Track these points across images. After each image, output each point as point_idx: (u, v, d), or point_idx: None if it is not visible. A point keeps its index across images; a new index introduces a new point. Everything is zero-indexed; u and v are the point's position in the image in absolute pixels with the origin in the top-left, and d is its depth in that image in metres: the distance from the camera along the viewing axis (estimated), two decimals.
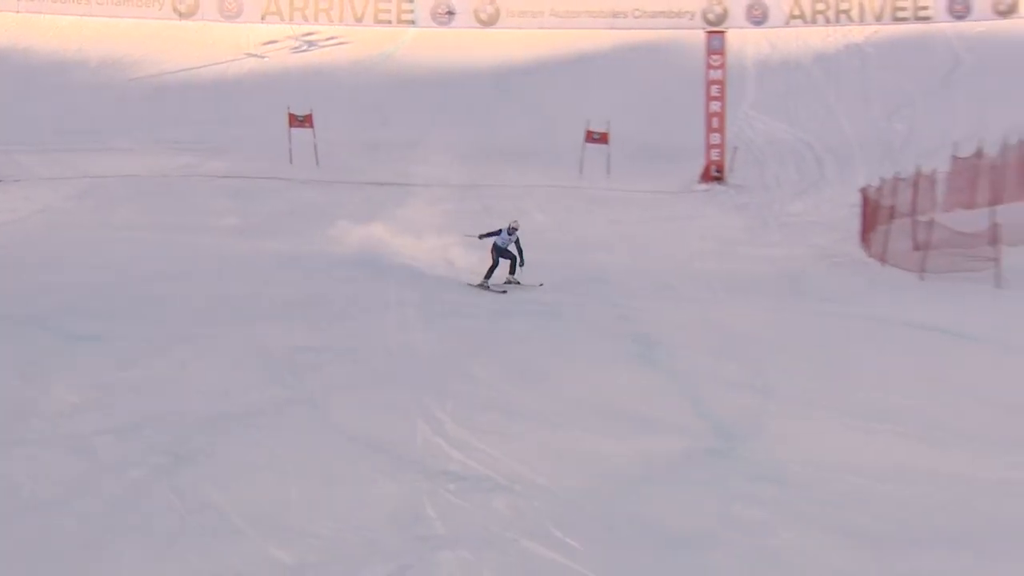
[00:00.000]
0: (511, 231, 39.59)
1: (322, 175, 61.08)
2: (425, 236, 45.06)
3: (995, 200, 50.36)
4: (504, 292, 38.76)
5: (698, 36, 68.88)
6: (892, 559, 16.90)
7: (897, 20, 77.78)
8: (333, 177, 60.58)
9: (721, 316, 35.03)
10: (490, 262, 39.30)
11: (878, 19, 77.97)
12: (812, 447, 22.99)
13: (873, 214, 49.75)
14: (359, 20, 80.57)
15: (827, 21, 78.40)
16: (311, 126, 64.01)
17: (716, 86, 64.09)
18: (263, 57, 78.19)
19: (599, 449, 22.34)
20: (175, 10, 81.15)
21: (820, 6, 78.83)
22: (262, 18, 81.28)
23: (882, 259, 47.50)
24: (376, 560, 16.26)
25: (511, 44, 77.35)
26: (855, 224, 50.83)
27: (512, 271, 39.42)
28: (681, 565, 16.38)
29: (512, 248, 39.42)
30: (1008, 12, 77.02)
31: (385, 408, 24.92)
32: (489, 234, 40.06)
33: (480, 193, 58.15)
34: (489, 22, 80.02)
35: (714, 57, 64.69)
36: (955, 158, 55.29)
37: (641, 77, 73.68)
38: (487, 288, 38.86)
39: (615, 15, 79.36)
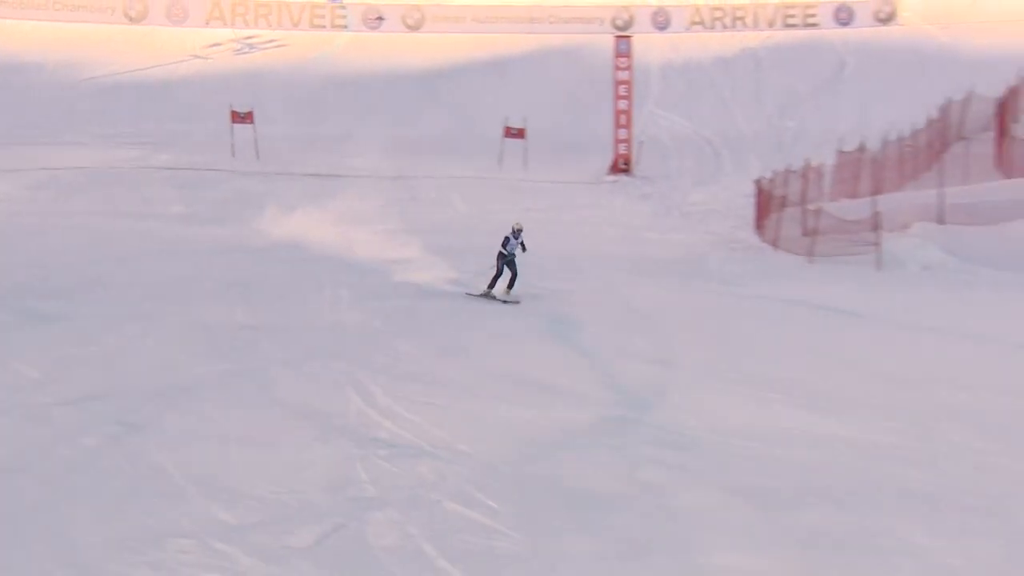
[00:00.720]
0: (516, 233, 36.60)
1: (262, 167, 60.99)
2: (357, 223, 44.96)
3: (876, 190, 50.67)
4: (518, 303, 35.15)
5: (607, 40, 69.07)
6: (780, 515, 16.94)
7: (788, 26, 78.04)
8: (272, 169, 60.50)
9: (628, 296, 35.05)
10: (494, 271, 36.20)
11: (771, 25, 78.21)
12: (711, 414, 23.00)
13: (766, 203, 50.01)
14: (296, 24, 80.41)
15: (724, 27, 78.60)
16: (252, 122, 64.03)
17: (623, 86, 64.38)
18: (207, 58, 77.85)
19: (516, 417, 22.30)
20: (126, 15, 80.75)
21: (718, 13, 79.01)
22: (206, 22, 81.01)
23: (774, 244, 47.76)
24: (311, 520, 16.18)
25: (436, 47, 77.26)
26: (750, 212, 51.06)
27: (510, 285, 35.91)
28: (590, 523, 16.35)
29: (518, 250, 36.35)
30: (887, 19, 77.40)
31: (319, 381, 24.83)
32: (501, 252, 36.30)
33: (407, 183, 58.19)
34: (416, 27, 79.88)
35: (621, 60, 64.94)
36: (840, 152, 55.67)
37: (556, 78, 73.72)
38: (492, 298, 35.59)
39: (532, 21, 79.34)
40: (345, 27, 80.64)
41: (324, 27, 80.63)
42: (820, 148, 58.58)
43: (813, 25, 78.02)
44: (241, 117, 64.22)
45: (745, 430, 21.87)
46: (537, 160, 62.32)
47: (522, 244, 36.32)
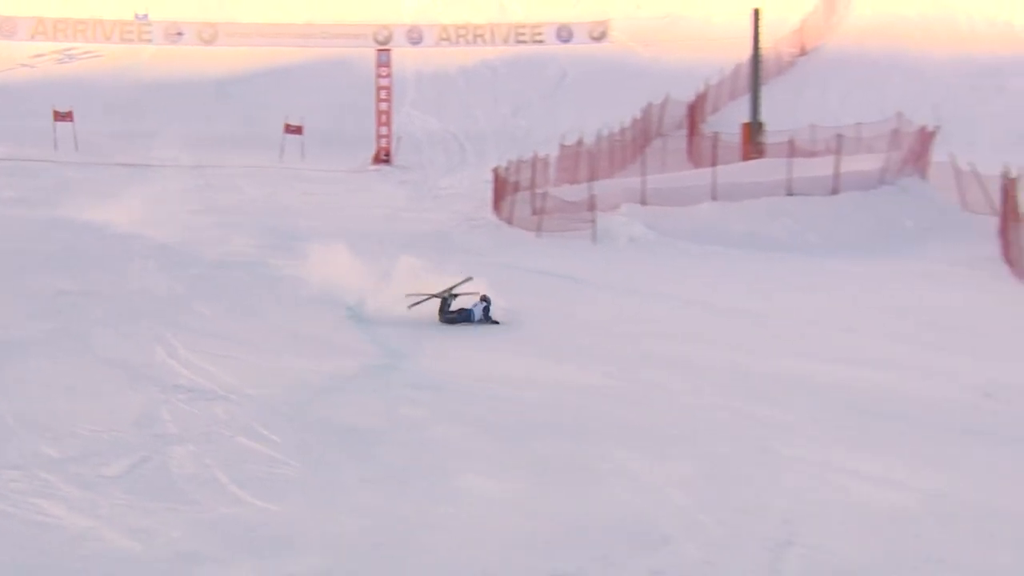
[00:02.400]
0: (484, 304, 27.15)
1: (81, 158, 59.95)
2: (162, 204, 44.42)
3: (592, 177, 51.15)
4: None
5: (370, 53, 68.84)
6: (514, 445, 17.02)
7: (519, 42, 78.32)
8: (90, 160, 59.48)
9: (388, 265, 34.93)
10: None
11: (505, 42, 78.44)
12: (460, 363, 23.08)
13: (502, 188, 50.17)
14: (108, 38, 79.06)
15: (467, 43, 78.64)
16: (72, 120, 63.14)
17: (384, 91, 64.36)
18: (33, 67, 76.34)
19: (295, 367, 22.18)
20: None
21: (462, 31, 79.03)
22: (31, 36, 79.28)
23: (509, 221, 47.94)
24: (123, 454, 15.92)
25: (228, 59, 76.44)
26: (489, 195, 51.16)
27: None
28: (358, 452, 16.29)
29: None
30: (600, 38, 78.07)
31: (131, 337, 24.46)
32: (456, 314, 27.09)
33: (204, 172, 57.57)
34: (210, 41, 78.86)
35: (382, 69, 64.88)
36: (562, 146, 56.08)
37: (328, 84, 73.40)
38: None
39: (307, 36, 78.82)
40: (150, 41, 79.42)
41: (133, 40, 79.32)
42: (546, 143, 58.96)
43: (539, 42, 78.40)
44: (62, 116, 63.24)
45: (485, 375, 21.95)
46: (313, 152, 62.08)
47: (486, 312, 26.98)
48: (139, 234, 39.05)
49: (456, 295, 27.28)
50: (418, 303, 27.13)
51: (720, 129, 57.73)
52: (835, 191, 47.03)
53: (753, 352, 24.86)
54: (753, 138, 55.19)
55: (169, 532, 12.95)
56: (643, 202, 46.50)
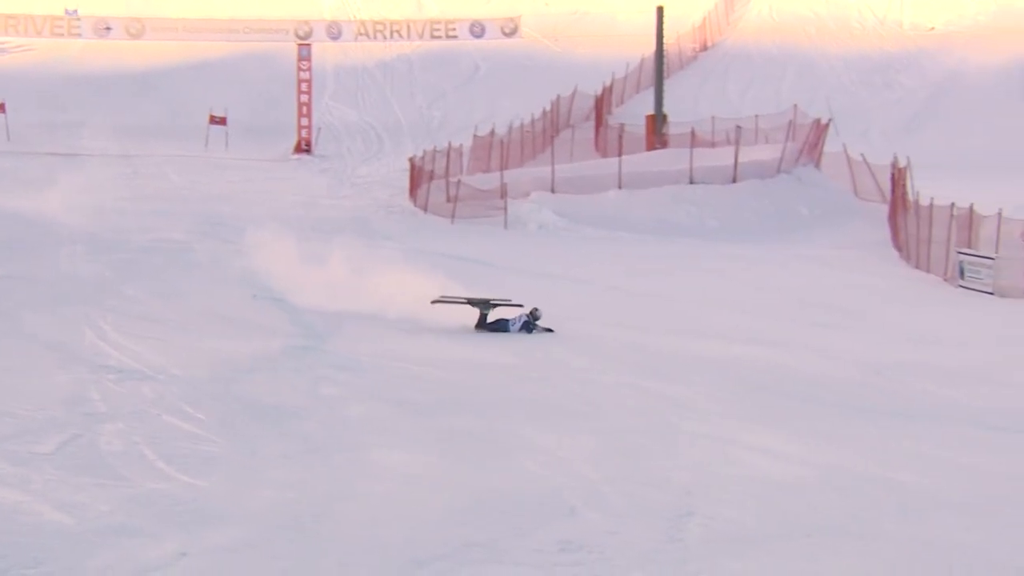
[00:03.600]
0: (526, 319, 25.21)
1: (12, 148, 59.31)
2: (91, 192, 44.04)
3: (503, 166, 51.24)
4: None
5: (292, 47, 68.54)
6: (427, 420, 17.06)
7: (434, 38, 78.10)
8: (21, 149, 58.87)
9: (310, 250, 34.78)
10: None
11: (421, 37, 78.21)
12: (377, 344, 23.07)
13: (418, 176, 50.19)
14: (39, 33, 78.03)
15: (384, 38, 78.33)
16: (3, 112, 62.56)
17: (305, 84, 64.19)
18: None
19: (220, 347, 22.09)
20: None
21: (379, 27, 78.71)
22: None
23: (425, 208, 47.98)
24: (55, 431, 15.79)
25: (155, 52, 75.74)
26: (405, 183, 51.16)
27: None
28: (280, 429, 16.25)
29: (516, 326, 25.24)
30: (511, 33, 77.98)
31: (61, 320, 24.28)
32: (494, 324, 25.40)
33: (131, 161, 57.18)
34: (137, 35, 78.09)
35: (303, 63, 64.72)
36: (475, 136, 56.12)
37: (251, 77, 73.02)
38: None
39: (231, 31, 78.17)
40: (79, 35, 78.51)
41: (63, 35, 78.35)
42: (460, 133, 59.05)
43: (454, 37, 78.23)
44: None
45: (402, 355, 21.97)
46: (236, 143, 61.76)
47: (526, 326, 25.08)
48: (68, 221, 38.70)
49: (495, 306, 25.39)
50: (444, 302, 25.34)
51: (626, 120, 57.97)
52: (735, 180, 47.38)
53: (656, 332, 25.02)
54: (657, 129, 55.45)
55: (98, 506, 12.87)
56: (552, 190, 46.64)
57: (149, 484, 13.67)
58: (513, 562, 11.41)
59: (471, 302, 25.42)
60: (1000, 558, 11.83)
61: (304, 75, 64.47)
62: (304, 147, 62.72)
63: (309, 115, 63.61)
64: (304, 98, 63.89)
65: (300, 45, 67.36)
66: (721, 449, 16.07)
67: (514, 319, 25.14)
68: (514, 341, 23.74)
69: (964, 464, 15.91)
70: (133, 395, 18.05)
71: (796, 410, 19.16)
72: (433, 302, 25.33)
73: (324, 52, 72.34)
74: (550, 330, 24.92)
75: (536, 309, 25.10)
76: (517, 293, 26.55)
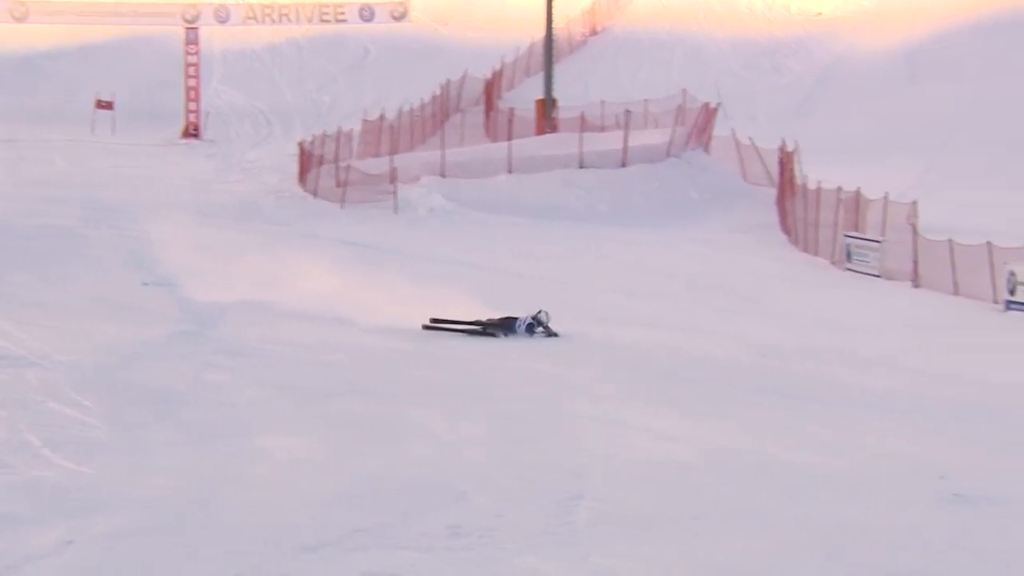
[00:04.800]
0: (530, 321, 23.72)
1: None
2: None
3: (393, 150, 51.30)
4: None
5: (179, 31, 67.86)
6: (316, 405, 17.00)
7: (323, 21, 77.53)
8: None
9: (199, 236, 34.55)
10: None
11: (309, 20, 77.61)
12: (266, 329, 22.95)
13: (307, 161, 50.04)
14: None
15: (273, 21, 77.65)
16: None
17: (192, 67, 63.81)
18: None
19: (106, 333, 21.86)
20: None
21: (268, 10, 77.92)
22: None
23: (314, 193, 47.86)
24: None
25: (39, 36, 74.65)
26: (295, 168, 50.93)
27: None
28: (167, 416, 16.10)
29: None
30: (401, 17, 77.56)
31: None
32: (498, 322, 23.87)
33: (16, 146, 56.52)
34: (22, 18, 76.90)
35: (191, 47, 64.29)
36: (365, 120, 56.04)
37: (138, 60, 72.43)
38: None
39: (118, 14, 76.98)
40: None
41: None
42: (349, 117, 58.90)
43: (343, 20, 77.68)
44: None
45: (288, 340, 21.87)
46: (123, 127, 61.13)
47: (530, 328, 23.63)
48: None
49: (488, 325, 23.67)
50: (439, 327, 23.62)
51: (515, 105, 58.11)
52: (624, 164, 47.67)
53: (547, 315, 25.02)
54: (547, 114, 55.57)
55: None
56: (442, 174, 46.69)
57: (34, 471, 13.50)
58: (402, 547, 11.38)
59: (466, 330, 23.55)
60: (882, 538, 11.99)
61: (192, 59, 63.95)
62: (192, 132, 62.25)
63: (197, 99, 63.13)
64: (192, 82, 63.37)
65: (188, 29, 66.69)
66: (612, 432, 16.15)
67: (520, 321, 23.54)
68: (403, 325, 23.64)
69: (849, 445, 16.12)
70: (18, 382, 17.80)
71: (687, 393, 19.31)
72: (425, 327, 23.51)
73: (212, 36, 71.68)
74: (555, 334, 23.41)
75: (541, 312, 23.74)
76: (407, 276, 26.55)
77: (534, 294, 28.53)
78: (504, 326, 23.64)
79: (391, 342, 22.26)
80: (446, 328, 23.64)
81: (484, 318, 23.90)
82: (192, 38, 64.70)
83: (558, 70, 59.07)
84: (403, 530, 11.86)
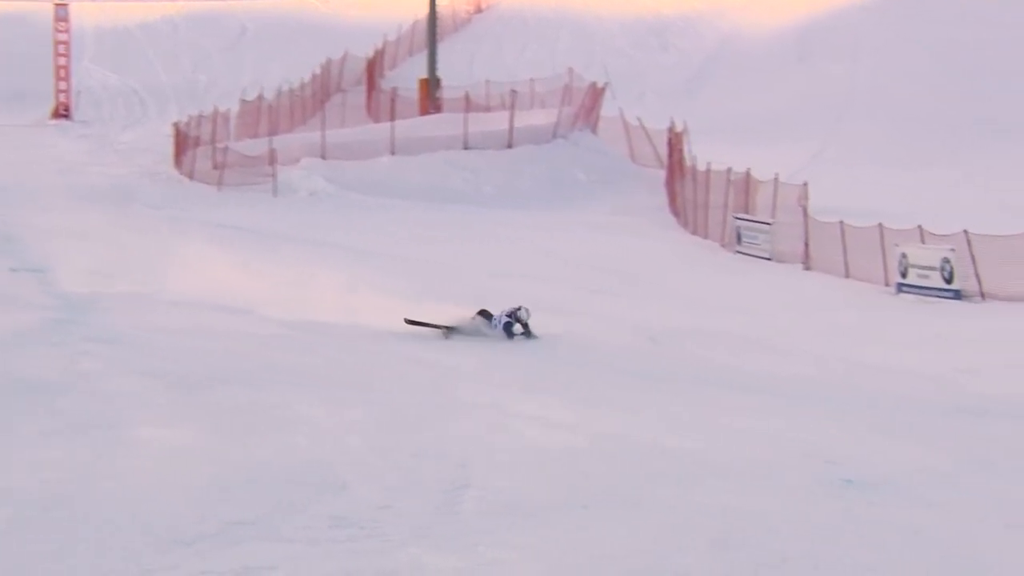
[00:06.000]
0: (508, 319, 22.49)
1: None
2: None
3: (272, 131, 51.06)
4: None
5: (48, 7, 67.00)
6: (195, 394, 16.87)
7: None
8: None
9: (71, 220, 34.20)
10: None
11: None
12: (140, 316, 22.76)
13: (183, 142, 49.70)
14: None
15: None
16: None
17: (63, 46, 62.93)
18: None
19: None
20: None
21: None
22: None
23: (190, 176, 47.57)
24: None
25: None
26: (170, 150, 50.53)
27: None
28: (36, 405, 15.87)
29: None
30: None
31: None
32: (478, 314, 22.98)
33: None
34: None
35: (60, 24, 63.46)
36: (243, 101, 55.68)
37: (4, 38, 71.41)
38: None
39: None
40: None
41: None
42: (227, 97, 58.48)
43: None
44: None
45: (163, 327, 21.70)
46: None
47: (507, 327, 22.45)
48: None
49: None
50: (417, 324, 22.74)
51: (398, 85, 58.01)
52: (510, 145, 47.78)
53: (429, 300, 25.01)
54: (431, 94, 55.50)
55: None
56: (323, 156, 46.56)
57: None
58: (282, 539, 11.31)
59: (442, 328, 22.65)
60: (771, 524, 12.09)
61: (62, 36, 63.10)
62: (63, 112, 61.51)
63: (68, 78, 62.34)
64: (62, 61, 62.55)
65: (57, 5, 65.78)
66: (497, 420, 16.16)
67: (497, 317, 22.50)
68: (280, 311, 23.46)
69: (738, 429, 16.23)
70: None
71: (572, 378, 19.36)
72: (408, 322, 22.65)
73: (83, 12, 70.92)
74: (533, 336, 22.28)
75: (521, 308, 22.47)
76: (282, 260, 26.42)
77: (412, 277, 28.49)
78: (483, 316, 22.74)
79: (265, 328, 22.12)
80: (425, 325, 22.70)
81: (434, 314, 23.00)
82: (62, 15, 63.84)
83: (442, 49, 59.01)
84: (283, 522, 11.78)
